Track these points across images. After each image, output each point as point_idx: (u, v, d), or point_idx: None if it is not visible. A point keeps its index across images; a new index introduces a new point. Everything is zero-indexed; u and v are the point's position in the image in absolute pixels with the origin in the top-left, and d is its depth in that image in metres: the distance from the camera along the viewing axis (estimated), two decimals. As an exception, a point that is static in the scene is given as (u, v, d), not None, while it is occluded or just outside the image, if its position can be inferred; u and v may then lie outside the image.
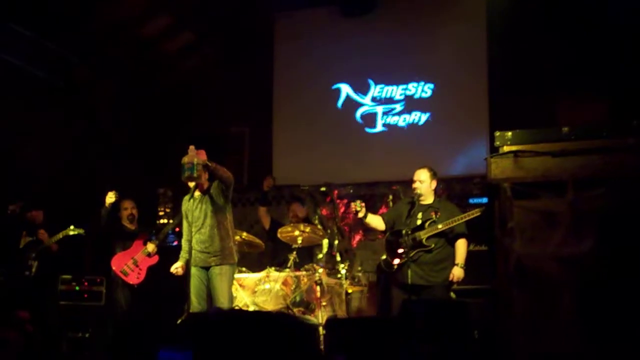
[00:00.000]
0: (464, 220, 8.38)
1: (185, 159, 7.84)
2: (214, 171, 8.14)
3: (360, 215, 8.62)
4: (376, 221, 8.88)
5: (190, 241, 8.58)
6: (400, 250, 8.44)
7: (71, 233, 9.51)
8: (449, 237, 8.50)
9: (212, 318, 6.28)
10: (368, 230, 11.67)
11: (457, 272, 8.38)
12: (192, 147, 7.93)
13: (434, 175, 8.75)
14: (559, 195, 7.43)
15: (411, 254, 8.37)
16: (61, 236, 9.49)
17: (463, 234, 8.48)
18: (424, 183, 8.65)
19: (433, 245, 8.41)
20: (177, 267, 8.59)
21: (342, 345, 6.72)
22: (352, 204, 8.65)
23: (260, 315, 6.81)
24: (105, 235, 10.24)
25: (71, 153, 11.09)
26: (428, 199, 8.70)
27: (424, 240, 8.40)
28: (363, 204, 8.58)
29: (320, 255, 10.05)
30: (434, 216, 8.48)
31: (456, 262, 8.41)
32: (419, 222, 8.53)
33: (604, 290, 7.21)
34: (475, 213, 8.39)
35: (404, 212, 8.72)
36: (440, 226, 8.37)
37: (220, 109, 13.17)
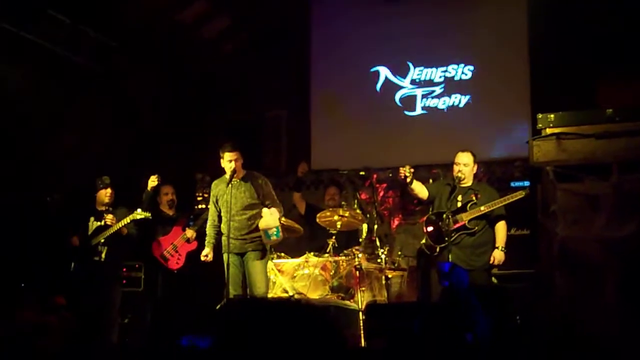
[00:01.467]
0: (507, 202, 8.30)
1: (263, 225, 8.30)
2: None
3: (408, 179, 8.51)
4: (420, 188, 8.78)
5: (217, 227, 8.59)
6: (442, 234, 8.36)
7: (138, 217, 9.45)
8: (489, 220, 8.41)
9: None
10: (407, 207, 11.66)
11: (498, 255, 8.29)
12: (265, 211, 8.40)
13: (476, 158, 8.67)
14: (602, 178, 7.33)
15: (453, 237, 8.30)
16: (129, 220, 9.43)
17: (503, 217, 8.39)
18: (468, 166, 8.57)
19: (476, 228, 8.33)
20: (205, 255, 8.60)
21: (382, 330, 6.68)
22: (402, 169, 8.52)
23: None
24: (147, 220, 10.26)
25: (110, 138, 11.10)
26: (468, 181, 8.61)
27: (467, 223, 8.31)
28: (412, 170, 8.48)
29: (361, 240, 9.98)
30: (474, 198, 8.40)
31: (497, 245, 8.32)
32: (459, 204, 8.44)
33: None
34: (518, 195, 8.29)
35: (444, 193, 8.65)
36: (482, 208, 8.28)
37: (258, 93, 13.13)
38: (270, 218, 8.16)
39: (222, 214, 8.62)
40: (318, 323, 2.46)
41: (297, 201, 10.99)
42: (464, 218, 8.32)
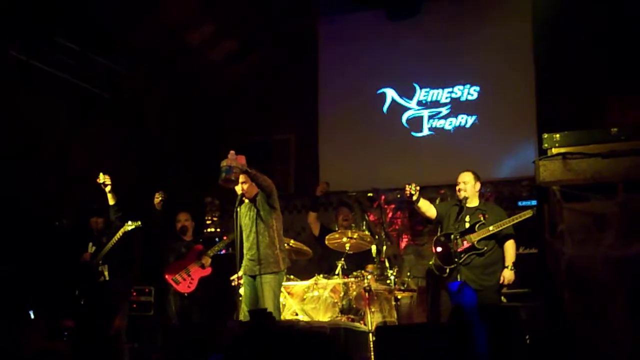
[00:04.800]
0: (515, 221, 8.34)
1: (224, 162, 7.85)
2: (254, 178, 8.13)
3: (414, 198, 8.55)
4: (427, 206, 8.86)
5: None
6: (451, 255, 8.40)
7: (129, 228, 9.53)
8: (498, 240, 8.44)
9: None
10: (416, 228, 11.72)
11: (508, 275, 8.33)
12: (232, 152, 7.96)
13: (477, 177, 8.72)
14: (609, 197, 7.34)
15: (462, 258, 8.33)
16: (121, 234, 9.52)
17: (511, 236, 8.43)
18: (468, 184, 8.64)
19: (485, 248, 8.36)
20: (233, 277, 8.61)
21: (392, 352, 6.69)
22: (407, 187, 8.57)
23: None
24: (158, 240, 10.33)
25: (119, 162, 11.16)
26: (473, 201, 8.66)
27: (475, 243, 8.34)
28: (418, 188, 8.52)
29: (376, 260, 9.99)
30: (482, 218, 8.44)
31: (506, 264, 8.36)
32: (467, 225, 8.49)
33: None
34: (527, 214, 8.33)
35: (452, 214, 8.70)
36: (491, 228, 8.32)
37: (266, 115, 13.21)
38: (234, 160, 7.92)
39: (235, 235, 8.63)
40: (326, 348, 2.50)
41: (312, 222, 11.00)
42: (473, 239, 8.36)
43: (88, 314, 9.35)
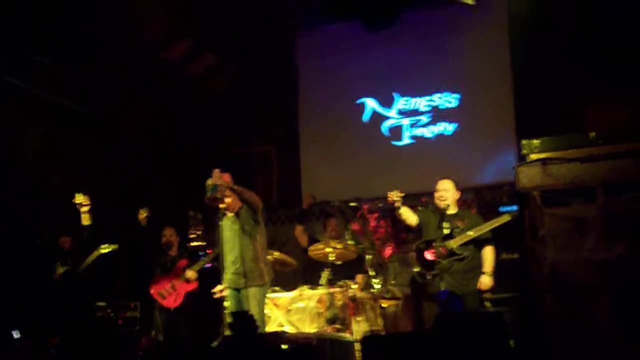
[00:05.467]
0: (493, 226, 8.38)
1: (209, 181, 7.91)
2: (240, 195, 8.17)
3: (397, 204, 8.58)
4: (409, 214, 8.84)
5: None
6: (433, 261, 8.44)
7: (103, 251, 9.53)
8: (477, 245, 8.49)
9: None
10: (399, 236, 11.75)
11: (486, 281, 8.38)
12: (216, 170, 8.01)
13: (456, 185, 8.77)
14: (589, 201, 7.43)
15: (444, 263, 8.38)
16: (94, 257, 9.53)
17: (490, 241, 8.49)
18: (449, 192, 8.68)
19: (465, 254, 8.40)
20: (217, 290, 8.63)
21: (379, 361, 6.72)
22: (390, 193, 8.56)
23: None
24: (145, 256, 10.33)
25: (102, 178, 11.16)
26: (453, 208, 8.70)
27: (455, 249, 8.39)
28: (401, 194, 8.54)
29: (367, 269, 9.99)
30: (460, 224, 8.49)
31: (484, 270, 8.41)
32: (446, 231, 8.52)
33: (639, 293, 7.18)
34: (504, 218, 8.39)
35: (432, 221, 8.75)
36: (471, 233, 8.37)
37: (247, 128, 13.23)
38: (219, 179, 8.00)
39: (218, 248, 8.64)
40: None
41: (300, 234, 10.97)
42: (452, 245, 8.40)
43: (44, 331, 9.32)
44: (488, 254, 8.47)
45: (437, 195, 8.75)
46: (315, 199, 11.30)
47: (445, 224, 8.58)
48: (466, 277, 8.45)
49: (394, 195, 8.50)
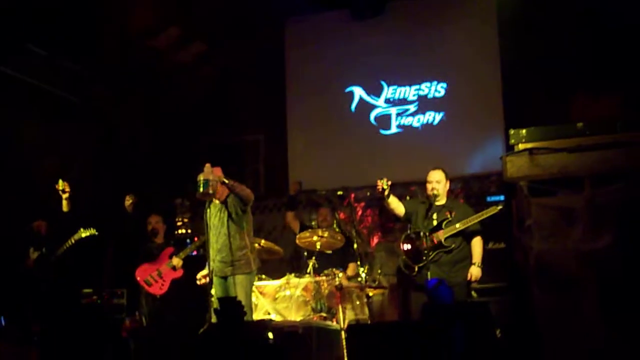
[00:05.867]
0: (482, 218, 8.34)
1: (201, 176, 7.89)
2: (231, 189, 8.15)
3: (386, 193, 8.53)
4: (396, 204, 8.76)
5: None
6: (420, 252, 8.42)
7: (83, 235, 9.51)
8: (465, 236, 8.47)
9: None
10: (386, 225, 11.76)
11: (475, 272, 8.35)
12: (207, 165, 7.98)
13: (447, 175, 8.73)
14: (576, 191, 7.44)
15: (432, 255, 8.36)
16: (73, 241, 9.51)
17: (479, 232, 8.45)
18: (440, 183, 8.62)
19: (453, 246, 8.38)
20: (200, 276, 8.62)
21: (364, 350, 6.73)
22: (379, 181, 8.46)
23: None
24: (131, 243, 10.30)
25: (90, 166, 11.13)
26: (442, 199, 8.66)
27: (443, 241, 8.36)
28: (390, 183, 8.48)
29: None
30: (449, 216, 8.45)
31: (473, 261, 8.38)
32: (435, 222, 8.49)
33: (626, 283, 7.21)
34: (493, 210, 8.35)
35: (420, 211, 8.70)
36: (458, 225, 8.33)
37: (235, 117, 13.17)
38: (210, 174, 8.02)
39: (205, 236, 8.63)
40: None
41: (291, 220, 10.94)
42: (440, 236, 8.36)
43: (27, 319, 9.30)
44: (477, 245, 8.45)
45: (428, 186, 8.69)
46: (302, 186, 11.28)
47: (434, 215, 8.56)
48: (454, 269, 8.42)
49: (384, 184, 8.44)
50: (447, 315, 6.62)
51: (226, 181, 8.04)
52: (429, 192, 8.65)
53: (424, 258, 8.36)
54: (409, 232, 8.74)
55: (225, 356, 6.27)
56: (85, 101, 11.15)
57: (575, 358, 7.32)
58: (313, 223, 10.68)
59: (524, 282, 7.78)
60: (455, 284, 8.22)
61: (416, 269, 8.46)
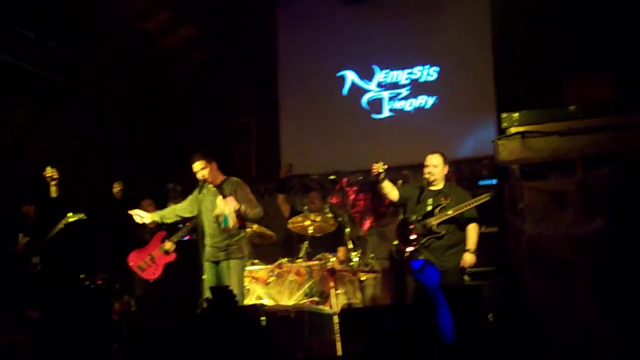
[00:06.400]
0: (473, 205, 8.28)
1: (217, 211, 8.02)
2: (245, 216, 8.27)
3: (382, 176, 8.48)
4: (390, 188, 8.66)
5: (171, 212, 8.87)
6: (412, 237, 8.40)
7: (71, 220, 9.49)
8: (459, 222, 8.42)
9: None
10: (378, 209, 11.75)
11: (468, 258, 8.30)
12: (219, 199, 8.14)
13: (445, 160, 8.62)
14: (568, 174, 7.44)
15: (422, 241, 8.33)
16: (62, 226, 9.49)
17: (473, 219, 8.38)
18: (438, 167, 8.50)
19: (444, 232, 8.33)
20: (139, 213, 8.71)
21: (357, 334, 6.74)
22: (375, 164, 8.39)
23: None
24: (122, 229, 10.29)
25: (79, 151, 11.09)
26: (439, 184, 8.58)
27: (434, 227, 8.31)
28: (386, 166, 8.44)
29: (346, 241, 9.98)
30: (443, 202, 8.39)
31: (467, 247, 8.32)
32: (429, 208, 8.43)
33: (617, 266, 7.22)
34: (484, 198, 8.29)
35: (414, 196, 8.65)
36: (450, 212, 8.28)
37: (226, 101, 13.15)
38: (225, 207, 8.10)
39: (198, 221, 8.65)
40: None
41: (282, 203, 10.95)
42: (432, 222, 8.32)
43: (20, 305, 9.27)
44: (472, 231, 8.36)
45: (425, 170, 8.60)
46: (292, 168, 11.29)
47: (429, 200, 8.50)
48: (446, 254, 8.35)
49: (379, 167, 8.39)
50: (438, 296, 6.63)
51: (241, 210, 8.17)
52: (425, 176, 8.57)
53: (415, 243, 8.34)
54: (402, 216, 8.72)
55: (217, 340, 6.28)
56: (75, 85, 11.10)
57: (567, 340, 7.33)
58: (305, 208, 10.66)
59: (516, 266, 7.79)
60: (447, 269, 8.19)
61: (407, 253, 8.44)
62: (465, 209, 8.25)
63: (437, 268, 8.03)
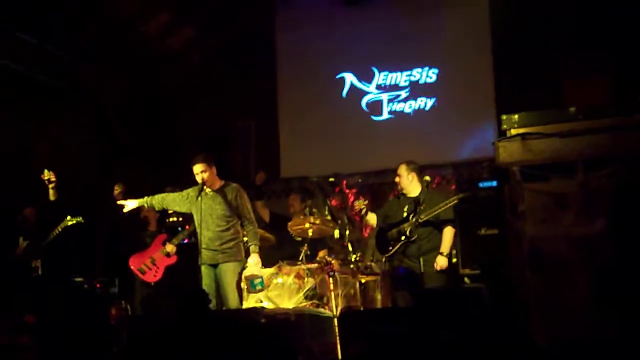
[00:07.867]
0: (443, 209, 8.40)
1: (246, 273, 8.32)
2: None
3: (363, 212, 8.72)
4: (373, 219, 9.09)
5: (161, 201, 8.91)
6: (387, 244, 8.54)
7: (69, 223, 9.49)
8: (435, 226, 8.53)
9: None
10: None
11: (441, 261, 8.44)
12: (249, 262, 8.42)
13: (412, 168, 8.78)
14: (568, 176, 7.41)
15: (397, 246, 8.44)
16: (61, 229, 9.48)
17: (448, 222, 8.52)
18: (402, 177, 8.77)
19: (416, 236, 8.42)
20: (126, 203, 8.73)
21: (357, 337, 6.72)
22: (356, 203, 8.79)
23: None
24: (121, 232, 10.28)
25: (80, 154, 11.09)
26: (413, 191, 8.76)
27: (407, 232, 8.43)
28: (366, 202, 8.65)
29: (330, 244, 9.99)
30: (417, 208, 8.51)
31: (441, 250, 8.46)
32: (404, 214, 8.60)
33: (619, 269, 7.19)
34: (453, 201, 8.42)
35: (393, 207, 8.82)
36: (422, 216, 8.39)
37: (225, 103, 13.16)
38: (255, 268, 8.24)
39: (195, 224, 8.65)
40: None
41: (260, 209, 10.97)
42: (406, 228, 8.45)
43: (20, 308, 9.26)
44: (446, 234, 8.53)
45: (395, 180, 8.86)
46: (266, 177, 11.31)
47: (405, 207, 8.69)
48: (424, 258, 8.44)
49: (360, 204, 8.64)
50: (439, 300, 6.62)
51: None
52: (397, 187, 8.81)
53: (390, 249, 8.48)
54: (384, 224, 8.83)
55: (219, 342, 6.27)
56: (75, 88, 11.10)
57: (568, 342, 7.30)
58: (307, 210, 10.65)
59: (517, 268, 7.77)
60: (427, 273, 8.28)
61: (384, 259, 8.58)
62: (434, 213, 8.36)
63: (415, 272, 8.18)
